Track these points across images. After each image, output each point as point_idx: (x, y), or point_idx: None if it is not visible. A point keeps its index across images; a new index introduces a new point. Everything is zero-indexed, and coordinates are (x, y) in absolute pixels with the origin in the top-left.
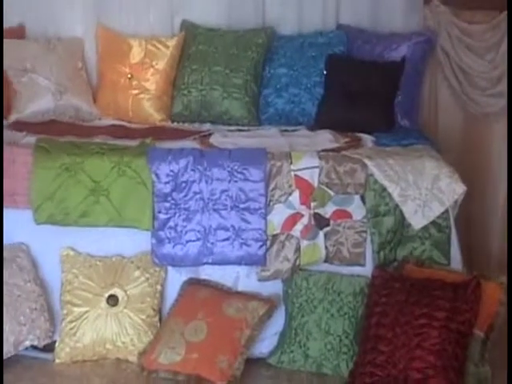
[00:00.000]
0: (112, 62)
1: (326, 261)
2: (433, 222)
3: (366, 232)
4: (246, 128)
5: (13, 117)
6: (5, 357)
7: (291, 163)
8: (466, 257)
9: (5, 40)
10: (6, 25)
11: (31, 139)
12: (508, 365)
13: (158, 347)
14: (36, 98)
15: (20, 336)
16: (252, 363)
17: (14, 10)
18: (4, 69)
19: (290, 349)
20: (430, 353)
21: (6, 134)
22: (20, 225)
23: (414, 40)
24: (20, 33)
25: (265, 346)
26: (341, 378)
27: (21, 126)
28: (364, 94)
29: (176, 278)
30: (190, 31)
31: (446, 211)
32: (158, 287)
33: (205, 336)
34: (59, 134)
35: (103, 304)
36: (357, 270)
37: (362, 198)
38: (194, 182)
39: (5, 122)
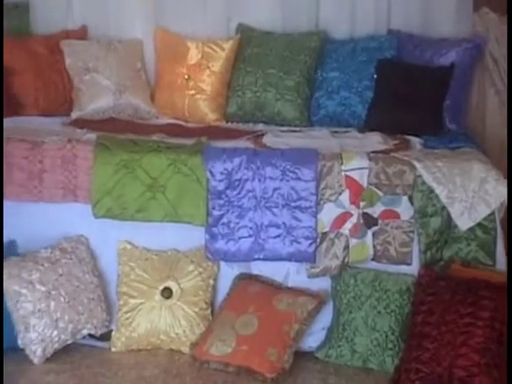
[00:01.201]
0: (170, 63)
1: (373, 259)
2: (479, 224)
3: (413, 232)
4: (297, 129)
5: (74, 114)
6: (63, 344)
7: (342, 164)
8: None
9: (68, 40)
10: (69, 26)
11: (92, 136)
12: (508, 365)
13: (210, 339)
14: (97, 96)
15: (78, 325)
16: (300, 356)
17: (77, 13)
18: (66, 68)
19: (338, 344)
20: (474, 351)
21: (68, 130)
22: (80, 218)
23: (463, 46)
24: (83, 34)
25: (313, 340)
26: (386, 374)
27: (82, 123)
28: (413, 97)
29: (228, 273)
30: (246, 34)
31: (492, 213)
32: (211, 281)
33: (255, 329)
34: (118, 132)
35: (158, 296)
36: (404, 268)
37: (410, 199)
38: (247, 180)
39: (67, 119)
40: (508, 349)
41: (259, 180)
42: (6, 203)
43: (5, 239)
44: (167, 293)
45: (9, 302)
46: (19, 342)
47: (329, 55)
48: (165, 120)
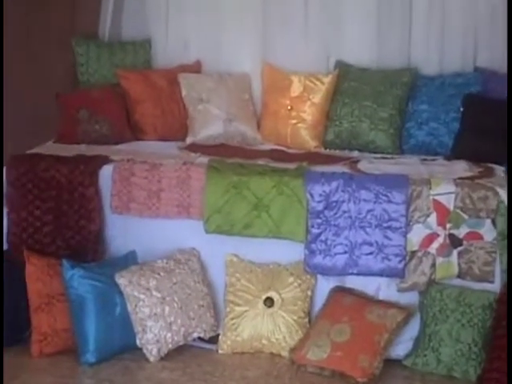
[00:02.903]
0: (274, 95)
1: (458, 276)
2: None
3: (495, 252)
4: (389, 156)
5: (189, 140)
6: (175, 345)
7: (430, 188)
8: None
9: (185, 74)
10: (186, 61)
11: (204, 159)
12: (508, 364)
13: (307, 345)
14: (209, 124)
15: (189, 328)
16: (389, 364)
17: (193, 50)
18: (183, 98)
19: (424, 353)
20: None
21: (183, 154)
22: (193, 233)
23: None
24: (197, 68)
25: (401, 349)
26: (469, 382)
27: (195, 147)
28: (496, 129)
29: (324, 285)
30: (343, 70)
31: None
32: (309, 292)
33: (348, 337)
34: (228, 156)
35: (261, 305)
36: (486, 286)
37: (493, 222)
38: (343, 201)
39: (182, 144)
40: (508, 348)
41: (354, 202)
42: (128, 218)
43: (126, 250)
44: (269, 302)
45: (129, 306)
46: (137, 341)
47: (419, 89)
48: (269, 146)
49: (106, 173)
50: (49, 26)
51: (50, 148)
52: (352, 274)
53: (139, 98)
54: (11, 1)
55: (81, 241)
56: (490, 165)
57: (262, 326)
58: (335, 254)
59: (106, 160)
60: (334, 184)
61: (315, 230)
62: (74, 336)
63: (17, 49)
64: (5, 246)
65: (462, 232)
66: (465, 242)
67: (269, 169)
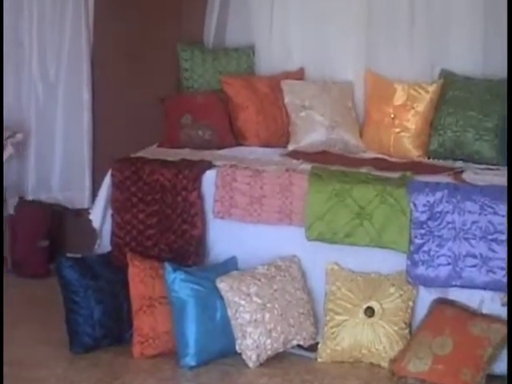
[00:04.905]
0: (378, 103)
1: None
2: None
3: None
4: (494, 167)
5: (291, 146)
6: (274, 352)
7: None
8: None
9: (288, 81)
10: (289, 68)
11: (307, 166)
12: (508, 363)
13: (408, 356)
14: (311, 131)
15: (289, 335)
16: (492, 379)
17: (296, 57)
18: (285, 105)
19: None
20: None
21: (285, 160)
22: (294, 239)
23: None
24: (300, 75)
25: (505, 365)
26: None
27: (297, 154)
28: None
29: (426, 297)
30: (448, 79)
31: None
32: (410, 303)
33: (450, 350)
34: (330, 163)
35: (361, 314)
36: None
37: None
38: (447, 212)
39: (284, 151)
40: (508, 347)
41: (459, 213)
42: (230, 223)
43: (227, 255)
44: (370, 312)
45: (229, 311)
46: (237, 347)
47: None
48: (371, 154)
49: (209, 178)
50: (155, 32)
51: (153, 152)
52: (455, 286)
53: (242, 104)
54: (119, 7)
55: (183, 245)
56: None
57: (362, 336)
58: (438, 266)
59: (209, 165)
60: (439, 194)
61: (418, 241)
62: (174, 339)
63: (122, 54)
64: (108, 248)
65: None
66: None
67: (372, 177)
